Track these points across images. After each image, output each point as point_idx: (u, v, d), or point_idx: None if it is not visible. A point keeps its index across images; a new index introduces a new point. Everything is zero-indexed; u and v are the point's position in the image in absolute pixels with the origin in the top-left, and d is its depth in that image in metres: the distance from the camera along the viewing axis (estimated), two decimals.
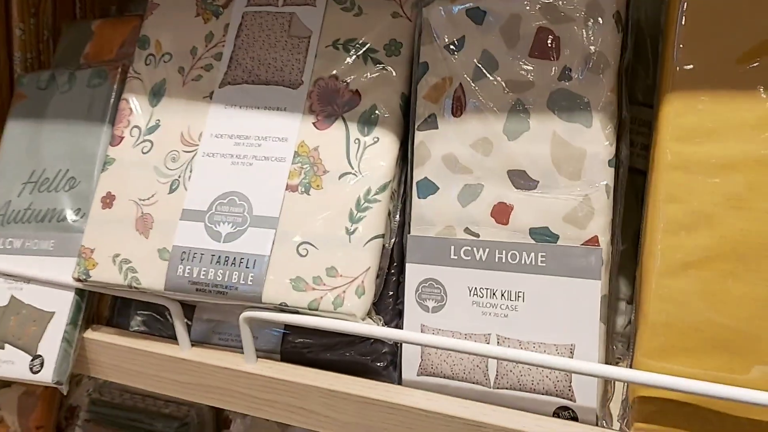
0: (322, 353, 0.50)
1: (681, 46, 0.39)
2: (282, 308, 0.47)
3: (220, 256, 0.48)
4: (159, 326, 0.55)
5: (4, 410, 0.80)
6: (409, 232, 0.47)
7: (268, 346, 0.51)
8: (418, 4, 0.49)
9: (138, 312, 0.56)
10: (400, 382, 0.48)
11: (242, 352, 0.51)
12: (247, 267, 0.47)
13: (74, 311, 0.54)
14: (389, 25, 0.50)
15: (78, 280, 0.52)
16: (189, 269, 0.48)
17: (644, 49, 0.46)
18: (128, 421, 0.72)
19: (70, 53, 0.66)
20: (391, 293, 0.49)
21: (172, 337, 0.54)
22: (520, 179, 0.43)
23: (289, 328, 0.51)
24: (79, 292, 0.54)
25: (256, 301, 0.47)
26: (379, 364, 0.49)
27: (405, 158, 0.49)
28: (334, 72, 0.50)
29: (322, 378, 0.47)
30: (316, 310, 0.46)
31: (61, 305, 0.54)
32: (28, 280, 0.56)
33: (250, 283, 0.47)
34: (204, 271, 0.48)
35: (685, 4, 0.39)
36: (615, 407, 0.43)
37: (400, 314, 0.48)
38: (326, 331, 0.48)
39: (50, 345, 0.54)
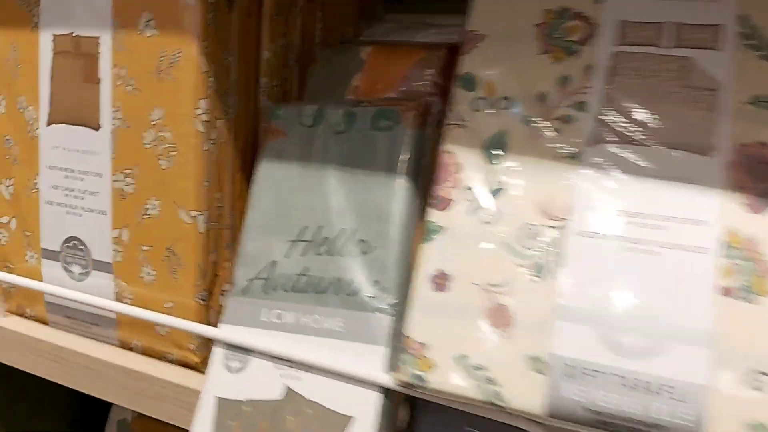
0: None
1: None
2: None
3: (627, 378, 0.36)
4: None
5: None
6: None
7: None
8: None
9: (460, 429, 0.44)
10: None
11: None
12: (672, 398, 0.35)
13: (384, 418, 0.43)
14: None
15: (408, 385, 0.41)
16: (581, 390, 0.37)
17: None
18: None
19: (331, 84, 0.56)
20: None
21: None
22: None
23: None
24: (386, 392, 0.43)
25: None
26: None
27: None
28: (762, 138, 0.38)
29: None
30: None
31: (362, 408, 0.43)
32: (311, 368, 0.45)
33: (680, 421, 0.35)
34: (606, 396, 0.36)
35: None
36: None
37: None
38: None
39: None
